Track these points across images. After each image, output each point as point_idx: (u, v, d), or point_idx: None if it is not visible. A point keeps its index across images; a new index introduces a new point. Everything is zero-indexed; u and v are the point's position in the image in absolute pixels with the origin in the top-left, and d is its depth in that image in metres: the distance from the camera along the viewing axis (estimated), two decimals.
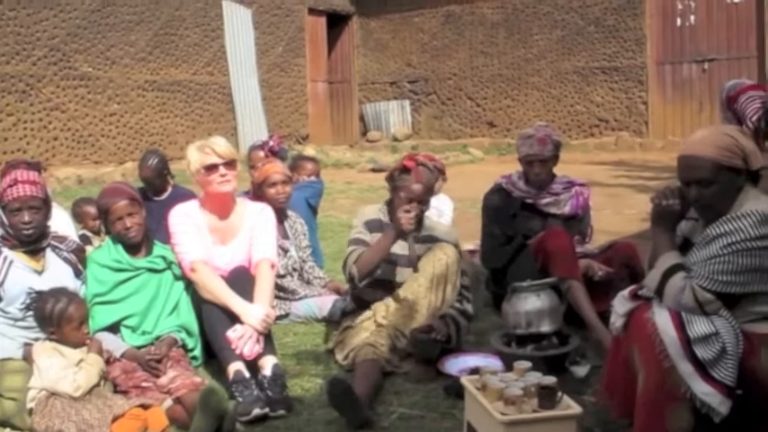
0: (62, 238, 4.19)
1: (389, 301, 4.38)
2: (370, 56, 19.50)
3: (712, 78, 15.18)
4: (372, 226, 4.47)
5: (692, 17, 15.68)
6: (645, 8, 15.92)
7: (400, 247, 4.35)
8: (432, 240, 4.47)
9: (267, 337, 4.12)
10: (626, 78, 16.14)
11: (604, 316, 4.03)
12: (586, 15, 16.46)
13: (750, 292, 3.12)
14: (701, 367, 3.02)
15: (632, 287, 3.40)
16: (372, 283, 4.39)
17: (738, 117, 8.67)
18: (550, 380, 3.25)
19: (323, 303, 5.21)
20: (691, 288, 3.12)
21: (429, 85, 18.57)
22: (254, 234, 4.51)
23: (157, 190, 6.24)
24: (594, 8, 16.38)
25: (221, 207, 4.52)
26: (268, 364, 3.99)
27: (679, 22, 15.82)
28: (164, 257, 4.34)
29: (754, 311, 3.16)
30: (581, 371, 4.07)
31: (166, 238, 4.47)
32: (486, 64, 17.70)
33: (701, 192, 3.22)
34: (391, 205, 4.46)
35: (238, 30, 16.94)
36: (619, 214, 8.95)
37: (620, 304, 3.34)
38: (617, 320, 3.33)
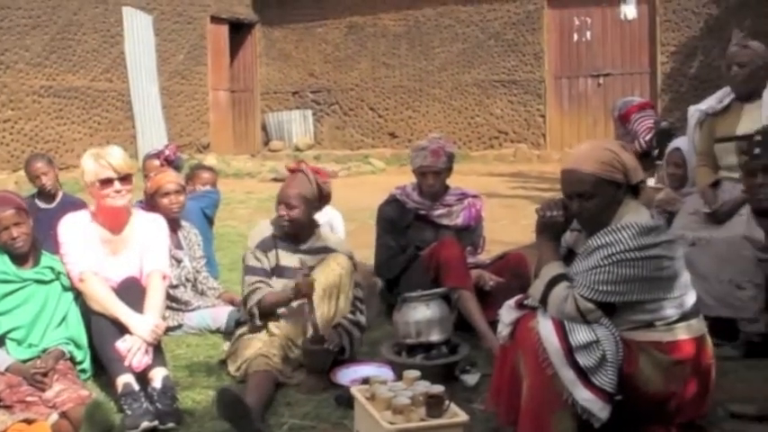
0: None
1: (283, 311, 4.38)
2: (272, 65, 19.43)
3: (607, 92, 15.59)
4: (266, 246, 4.49)
5: (589, 33, 16.06)
6: (543, 23, 16.25)
7: (293, 260, 4.37)
8: (325, 251, 4.50)
9: (157, 349, 4.08)
10: (525, 91, 16.43)
11: (495, 325, 4.10)
12: (487, 29, 16.71)
13: (629, 301, 3.23)
14: (583, 374, 3.10)
15: (518, 296, 3.48)
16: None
17: (632, 135, 8.97)
18: (438, 389, 3.31)
19: (216, 314, 5.18)
20: (573, 298, 3.21)
21: (331, 95, 18.59)
22: (145, 245, 4.46)
23: (48, 193, 6.18)
24: (495, 22, 16.64)
25: (114, 220, 4.45)
26: (158, 377, 3.95)
27: (576, 37, 16.19)
28: (52, 268, 4.26)
29: (633, 320, 3.27)
30: (471, 379, 4.13)
31: (55, 248, 4.38)
32: (389, 75, 17.81)
33: (582, 205, 3.32)
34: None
35: (138, 36, 16.67)
36: (515, 224, 9.09)
37: (507, 313, 3.42)
38: (503, 329, 3.41)
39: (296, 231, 4.48)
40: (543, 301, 3.28)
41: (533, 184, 12.73)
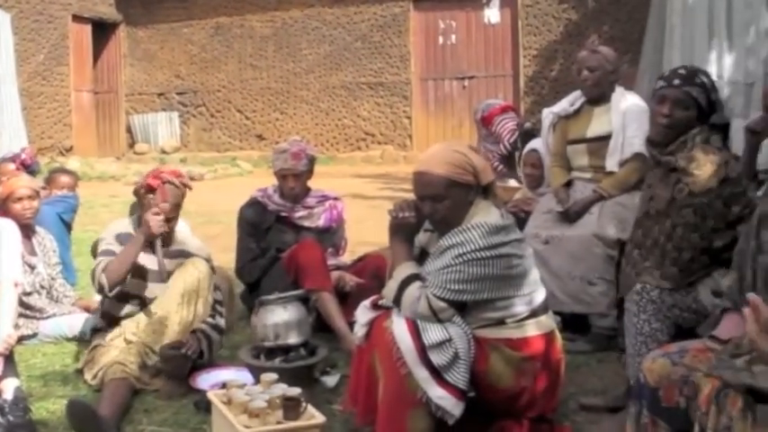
0: None
1: (140, 317, 4.30)
2: (137, 66, 19.06)
3: (472, 95, 15.89)
4: (123, 239, 4.36)
5: (454, 36, 16.35)
6: (409, 26, 16.45)
7: (150, 262, 4.29)
8: (183, 255, 4.43)
9: (8, 359, 3.94)
10: (391, 93, 16.59)
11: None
12: (353, 31, 16.80)
13: (481, 299, 3.30)
14: (436, 372, 3.15)
15: (374, 297, 3.51)
16: (122, 299, 4.29)
17: (495, 137, 9.16)
18: (295, 391, 3.31)
19: (73, 322, 5.04)
20: (425, 297, 3.25)
21: (198, 97, 18.36)
22: None
23: None
24: (361, 25, 16.75)
25: None
26: (9, 388, 3.81)
27: (441, 40, 16.45)
28: None
29: (484, 317, 3.33)
30: (331, 380, 4.15)
31: None
32: (256, 77, 17.71)
33: (434, 207, 3.37)
34: (140, 221, 4.39)
35: None
36: (381, 226, 9.08)
37: (363, 314, 3.45)
38: (359, 330, 3.43)
39: (165, 241, 4.38)
40: (397, 301, 3.31)
41: (400, 185, 12.83)
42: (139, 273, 4.29)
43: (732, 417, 2.20)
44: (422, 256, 3.51)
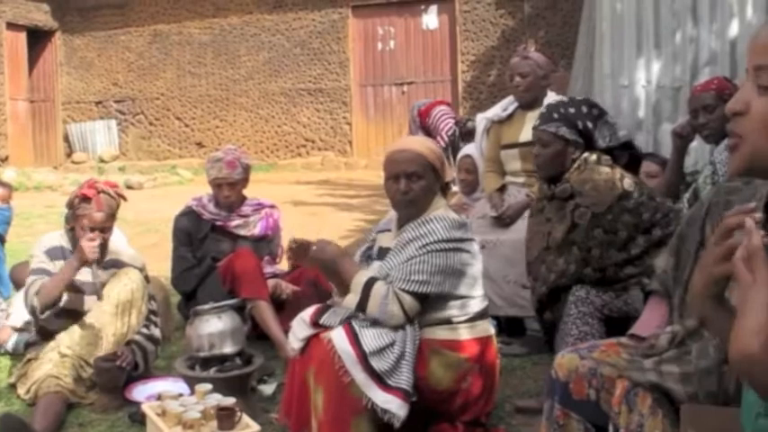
0: None
1: (75, 329, 4.25)
2: (74, 74, 18.80)
3: (411, 100, 15.88)
4: (54, 254, 4.32)
5: (392, 42, 16.40)
6: (348, 32, 16.47)
7: (85, 275, 4.25)
8: (117, 265, 4.39)
9: None
10: (331, 100, 16.60)
11: None
12: (292, 38, 16.78)
13: (441, 293, 3.33)
14: (378, 378, 3.18)
15: (313, 311, 3.48)
16: (58, 313, 4.24)
17: (430, 132, 9.19)
18: (230, 401, 3.31)
19: (4, 335, 4.98)
20: (394, 294, 3.27)
21: (136, 104, 18.18)
22: None
23: None
24: (300, 31, 16.73)
25: None
26: None
27: (380, 46, 16.49)
28: None
29: (434, 316, 3.38)
30: (268, 389, 4.16)
31: None
32: (195, 84, 17.59)
33: (409, 185, 3.43)
34: (73, 232, 4.34)
35: None
36: (321, 233, 9.15)
37: (300, 328, 3.44)
38: (295, 343, 3.44)
39: (100, 253, 4.34)
40: (362, 307, 3.32)
41: (341, 191, 12.86)
42: (75, 287, 4.25)
43: (643, 414, 2.26)
44: (380, 255, 3.55)
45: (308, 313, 3.45)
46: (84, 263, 4.11)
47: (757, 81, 1.45)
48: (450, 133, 9.15)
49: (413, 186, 3.42)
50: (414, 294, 3.28)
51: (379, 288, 3.30)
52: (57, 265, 4.26)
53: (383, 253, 3.54)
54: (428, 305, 3.35)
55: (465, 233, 3.43)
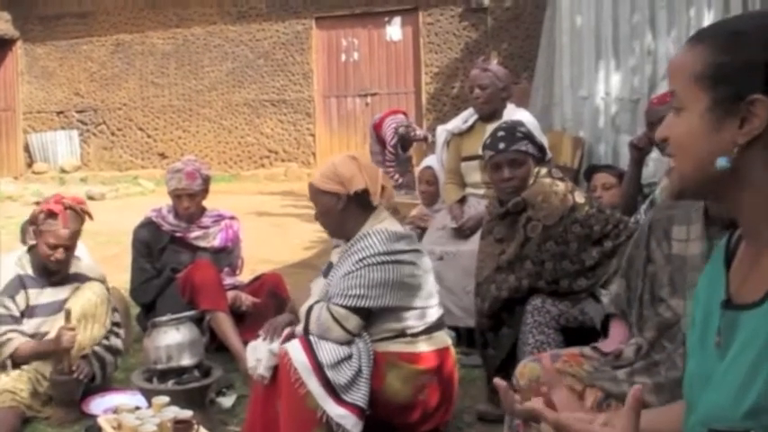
0: None
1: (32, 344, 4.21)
2: (35, 84, 18.62)
3: (375, 111, 15.84)
4: (12, 290, 4.20)
5: (356, 54, 16.40)
6: (312, 44, 16.45)
7: (47, 296, 4.23)
8: (77, 279, 4.35)
9: None
10: (294, 111, 16.57)
11: None
12: (256, 49, 16.73)
13: (383, 306, 3.34)
14: (334, 391, 3.18)
15: (280, 341, 3.48)
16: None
17: (381, 140, 9.29)
18: (187, 413, 3.28)
19: None
20: (327, 307, 3.30)
21: (98, 115, 18.04)
22: None
23: None
24: (264, 42, 16.70)
25: None
26: None
27: (344, 57, 16.49)
28: None
29: (386, 329, 3.39)
30: (227, 401, 4.14)
31: None
32: (158, 95, 17.48)
33: (318, 218, 3.60)
34: (34, 250, 4.28)
35: None
36: (285, 244, 9.14)
37: (266, 356, 3.42)
38: (259, 367, 3.42)
39: (62, 268, 4.30)
40: (306, 330, 3.36)
41: (304, 202, 12.76)
42: (35, 312, 4.23)
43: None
44: (327, 271, 3.59)
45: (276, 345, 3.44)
46: (60, 351, 4.03)
47: (672, 104, 1.49)
48: (393, 143, 9.27)
49: (320, 219, 3.58)
50: (351, 309, 3.29)
51: (316, 309, 3.37)
52: (18, 301, 4.20)
53: (329, 269, 3.58)
54: (377, 318, 3.37)
55: (407, 245, 3.44)
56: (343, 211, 3.48)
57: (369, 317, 3.35)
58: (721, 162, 1.40)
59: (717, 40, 1.43)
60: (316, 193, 3.53)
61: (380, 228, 3.42)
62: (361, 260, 3.34)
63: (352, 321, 3.30)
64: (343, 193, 3.47)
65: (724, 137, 1.40)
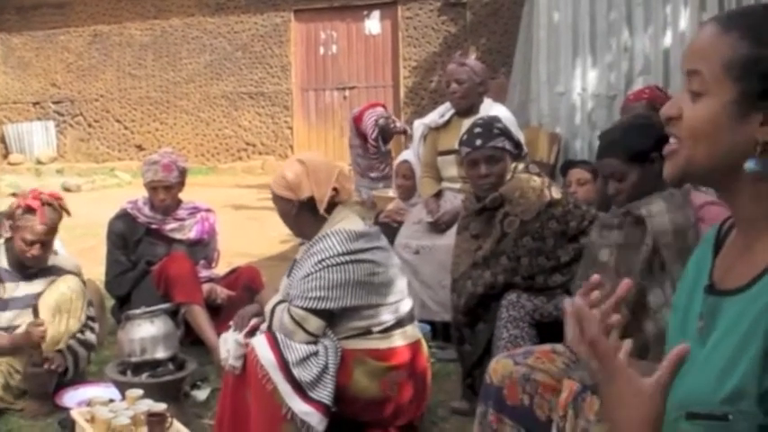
0: None
1: (3, 337, 4.18)
2: (11, 74, 18.47)
3: (353, 105, 15.86)
4: None
5: (334, 47, 16.37)
6: (290, 36, 16.41)
7: (20, 289, 4.21)
8: (52, 272, 4.33)
9: None
10: (272, 104, 16.52)
11: None
12: (234, 41, 16.67)
13: (345, 306, 3.34)
14: (300, 388, 3.19)
15: (246, 330, 3.50)
16: None
17: (363, 135, 9.31)
18: (161, 406, 3.28)
19: None
20: (287, 309, 3.30)
21: (75, 106, 17.92)
22: None
23: None
24: (242, 34, 16.64)
25: None
26: None
27: (322, 50, 16.45)
28: None
29: (351, 327, 3.39)
30: (201, 394, 4.14)
31: None
32: (135, 86, 17.39)
33: (283, 219, 3.62)
34: (10, 244, 4.26)
35: None
36: (262, 237, 9.12)
37: (234, 347, 3.43)
38: (232, 360, 3.42)
39: (38, 263, 4.27)
40: (270, 329, 3.37)
41: None
42: (8, 305, 4.21)
43: (590, 420, 2.28)
44: (290, 269, 3.59)
45: (242, 334, 3.46)
46: (30, 346, 4.03)
47: (689, 86, 1.45)
48: (374, 136, 9.29)
49: (284, 220, 3.59)
50: (311, 311, 3.30)
51: (278, 311, 3.37)
52: None
53: (293, 267, 3.58)
54: (341, 317, 3.37)
55: (367, 243, 3.42)
56: (297, 216, 3.51)
57: (331, 317, 3.35)
58: (750, 165, 1.38)
59: (753, 31, 1.39)
60: (273, 197, 3.57)
61: (339, 228, 3.41)
62: (320, 261, 3.33)
63: (313, 323, 3.30)
64: (295, 199, 3.48)
65: (746, 130, 1.39)
